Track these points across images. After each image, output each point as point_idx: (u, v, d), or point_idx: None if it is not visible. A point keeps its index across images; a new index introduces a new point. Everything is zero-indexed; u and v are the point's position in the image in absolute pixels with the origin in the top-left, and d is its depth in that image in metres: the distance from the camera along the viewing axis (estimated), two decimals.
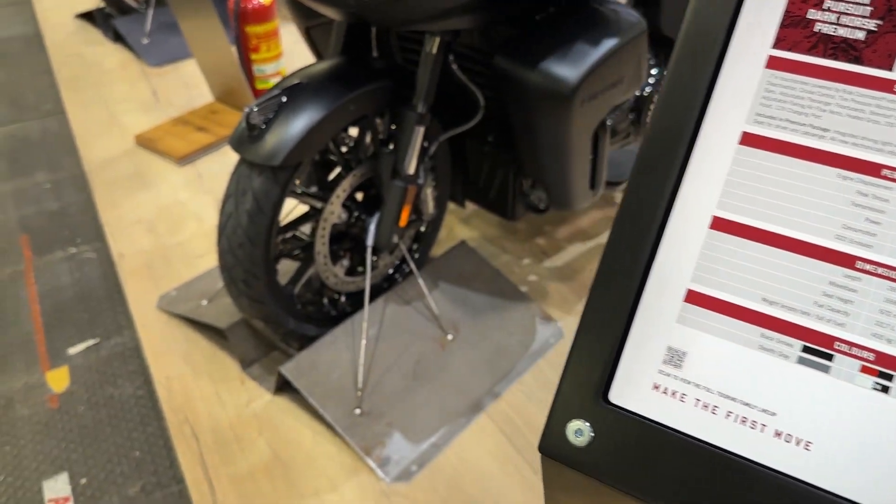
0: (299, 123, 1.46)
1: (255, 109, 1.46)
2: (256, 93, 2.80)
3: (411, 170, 1.63)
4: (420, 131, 1.60)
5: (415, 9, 1.38)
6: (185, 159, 2.57)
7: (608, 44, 1.47)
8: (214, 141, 2.64)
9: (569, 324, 1.92)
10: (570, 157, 1.58)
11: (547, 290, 2.03)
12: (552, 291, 2.03)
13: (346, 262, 1.76)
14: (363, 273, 1.80)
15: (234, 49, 2.65)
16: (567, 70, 1.44)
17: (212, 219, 2.31)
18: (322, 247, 1.65)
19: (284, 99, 1.47)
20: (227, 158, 2.60)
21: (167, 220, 2.32)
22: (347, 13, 1.43)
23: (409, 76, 1.61)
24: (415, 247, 1.94)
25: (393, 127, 1.68)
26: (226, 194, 1.53)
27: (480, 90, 1.66)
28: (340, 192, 1.63)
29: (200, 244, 2.21)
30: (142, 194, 2.44)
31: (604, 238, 2.22)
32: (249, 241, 1.50)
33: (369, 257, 1.70)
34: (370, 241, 1.69)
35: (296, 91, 1.49)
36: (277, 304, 1.62)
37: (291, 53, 3.32)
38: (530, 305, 1.94)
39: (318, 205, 1.62)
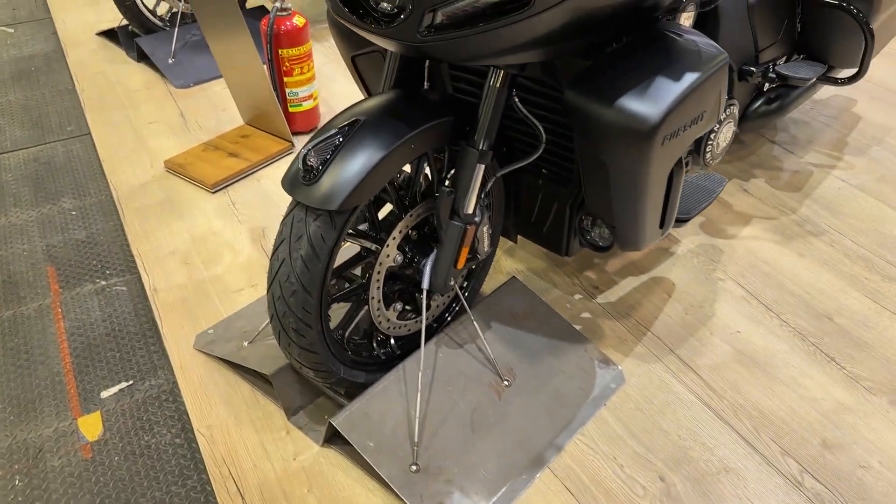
0: (358, 164, 1.36)
1: (311, 150, 1.37)
2: (289, 117, 2.71)
3: (470, 209, 1.54)
4: (481, 169, 1.50)
5: (482, 45, 1.29)
6: (217, 186, 2.48)
7: (690, 77, 1.37)
8: (247, 167, 2.55)
9: (628, 367, 1.82)
10: (644, 198, 1.48)
11: (602, 328, 1.93)
12: (607, 330, 1.93)
13: (398, 306, 1.66)
14: (415, 316, 1.71)
15: (266, 71, 2.56)
16: (648, 107, 1.34)
17: (248, 250, 2.22)
18: (377, 291, 1.56)
19: (341, 139, 1.38)
20: (261, 185, 2.51)
21: (202, 251, 2.23)
22: (410, 48, 1.33)
23: (469, 110, 1.51)
24: (465, 284, 1.85)
25: (451, 164, 1.59)
26: (278, 239, 1.43)
27: (540, 123, 1.57)
28: (396, 234, 1.54)
29: (238, 277, 2.12)
30: (174, 223, 2.35)
31: (658, 272, 2.12)
32: (304, 289, 1.40)
33: (425, 301, 1.60)
34: (426, 283, 1.59)
35: (353, 130, 1.40)
36: (328, 352, 1.52)
37: (321, 75, 3.23)
38: (587, 347, 1.84)
39: (373, 247, 1.53)
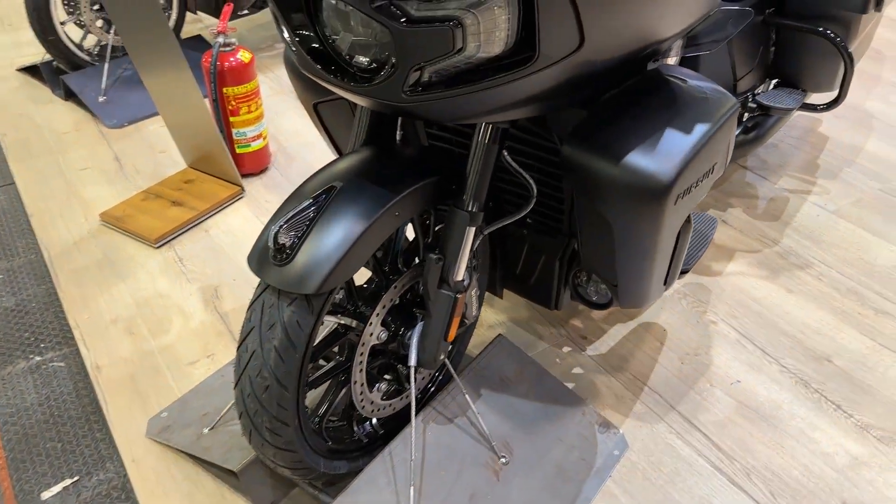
0: (337, 240, 1.19)
1: (283, 225, 1.18)
2: (237, 158, 2.51)
3: (460, 276, 1.38)
4: (471, 233, 1.34)
5: (476, 104, 1.13)
6: (161, 240, 2.26)
7: (702, 128, 1.25)
8: (194, 217, 2.33)
9: (630, 429, 1.68)
10: (652, 259, 1.35)
11: (597, 385, 1.79)
12: (602, 387, 1.79)
13: (383, 386, 1.49)
14: (399, 391, 1.54)
15: (210, 109, 2.35)
16: (660, 164, 1.20)
17: (200, 314, 2.01)
18: (360, 374, 1.38)
19: (315, 211, 1.20)
20: (210, 237, 2.30)
21: (148, 317, 2.01)
22: (393, 108, 1.17)
23: (454, 165, 1.35)
24: (450, 348, 1.68)
25: (437, 226, 1.43)
26: (245, 327, 1.24)
27: (526, 172, 1.43)
28: (380, 310, 1.37)
29: (191, 347, 1.91)
30: (115, 286, 2.12)
31: (647, 316, 1.99)
32: (279, 383, 1.22)
33: (413, 380, 1.44)
34: (413, 360, 1.42)
35: (328, 198, 1.22)
36: (307, 448, 1.34)
37: (268, 110, 3.03)
38: (585, 410, 1.69)
39: (354, 323, 1.35)
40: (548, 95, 1.16)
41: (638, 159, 1.21)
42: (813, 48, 2.13)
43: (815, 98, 2.32)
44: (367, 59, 1.16)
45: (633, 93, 1.32)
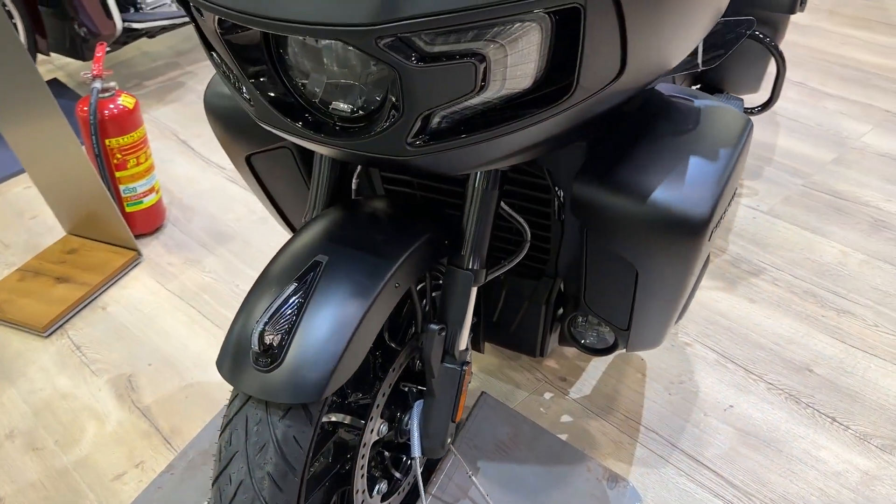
0: (335, 328, 0.95)
1: (268, 321, 0.94)
2: (127, 218, 2.17)
3: (464, 344, 1.18)
4: (474, 294, 1.15)
5: (493, 149, 0.94)
6: (50, 327, 1.90)
7: (726, 153, 1.11)
8: (86, 294, 1.98)
9: (637, 478, 1.54)
10: (677, 299, 1.20)
11: (591, 433, 1.64)
12: (597, 434, 1.63)
13: (383, 487, 1.26)
14: (396, 488, 1.31)
15: (92, 162, 2.01)
16: (693, 197, 1.05)
17: (116, 412, 1.69)
18: (362, 480, 1.15)
19: (302, 297, 0.97)
20: (109, 315, 1.96)
21: (53, 426, 1.66)
22: (391, 162, 0.95)
23: (443, 218, 1.15)
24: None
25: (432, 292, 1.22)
26: (223, 453, 0.98)
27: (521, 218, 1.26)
28: (380, 399, 1.14)
29: (113, 457, 1.59)
30: (3, 392, 1.75)
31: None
32: None
33: (419, 472, 1.21)
34: (417, 450, 1.20)
35: (315, 278, 0.99)
36: None
37: (155, 158, 2.68)
38: (590, 465, 1.53)
39: (349, 420, 1.12)
40: (571, 131, 0.98)
41: (668, 194, 1.06)
42: (738, 50, 2.08)
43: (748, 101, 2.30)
44: (349, 106, 0.94)
45: (640, 118, 1.17)
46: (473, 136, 0.89)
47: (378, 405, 1.14)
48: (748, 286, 2.06)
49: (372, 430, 1.14)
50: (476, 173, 1.10)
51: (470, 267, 1.13)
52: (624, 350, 1.41)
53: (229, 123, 1.37)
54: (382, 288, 1.00)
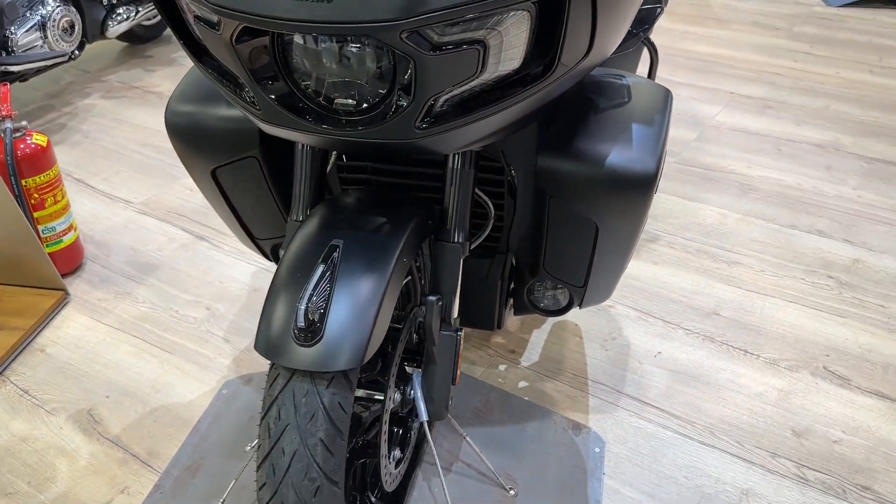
0: (365, 301, 1.06)
1: (308, 303, 1.03)
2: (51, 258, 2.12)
3: (456, 312, 1.31)
4: (461, 264, 1.28)
5: (484, 128, 1.08)
6: None
7: (658, 118, 1.31)
8: (21, 339, 1.93)
9: (596, 424, 1.72)
10: (629, 251, 1.39)
11: (548, 393, 1.80)
12: (553, 393, 1.80)
13: (397, 454, 1.35)
14: (405, 451, 1.41)
15: (15, 203, 1.96)
16: (641, 157, 1.24)
17: (85, 446, 1.67)
18: (385, 447, 1.24)
19: (329, 276, 1.06)
20: (50, 357, 1.92)
21: (20, 471, 1.62)
22: (400, 145, 1.07)
23: (420, 201, 1.28)
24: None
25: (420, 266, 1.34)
26: (274, 428, 1.05)
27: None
28: (394, 370, 1.24)
29: (95, 488, 1.57)
30: None
31: (554, 318, 2.05)
32: (329, 480, 1.05)
33: (429, 435, 1.32)
34: (425, 414, 1.31)
35: (337, 259, 1.09)
36: None
37: None
38: (556, 419, 1.70)
39: (379, 396, 1.22)
40: (545, 108, 1.14)
41: (621, 156, 1.24)
42: None
43: None
44: (352, 100, 1.05)
45: (580, 99, 1.35)
46: (472, 115, 1.03)
47: (393, 374, 1.24)
48: (649, 251, 2.32)
49: (391, 399, 1.24)
50: (454, 155, 1.24)
51: (457, 240, 1.26)
52: (578, 307, 1.58)
53: (193, 139, 1.43)
54: (395, 264, 1.12)
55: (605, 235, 1.34)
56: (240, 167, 1.46)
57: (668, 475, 1.60)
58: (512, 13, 0.95)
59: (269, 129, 1.13)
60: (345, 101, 1.05)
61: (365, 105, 1.05)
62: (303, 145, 1.28)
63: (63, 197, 2.12)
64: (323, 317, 1.04)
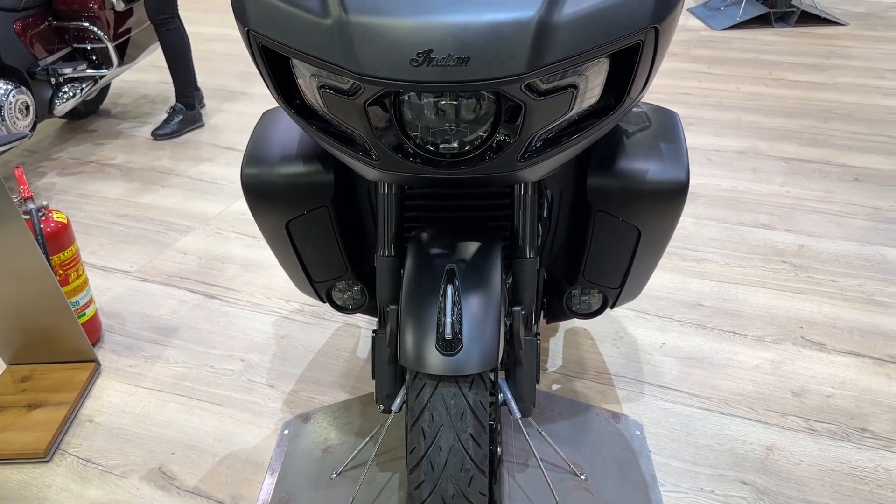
0: (489, 310, 1.24)
1: (448, 320, 1.20)
2: None
3: (536, 318, 1.50)
4: (535, 277, 1.48)
5: (569, 155, 1.29)
6: (50, 450, 1.86)
7: (677, 135, 1.56)
8: (69, 412, 1.96)
9: (631, 412, 1.93)
10: (663, 251, 1.62)
11: (580, 390, 2.01)
12: (585, 390, 2.01)
13: (498, 450, 1.52)
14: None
15: (53, 276, 2.01)
16: (675, 168, 1.48)
17: (167, 500, 1.73)
18: (501, 446, 1.41)
19: (457, 295, 1.24)
20: (103, 426, 1.96)
21: None
22: (505, 179, 1.26)
23: (489, 225, 1.47)
24: None
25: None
26: (429, 429, 1.21)
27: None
28: (491, 374, 1.42)
29: None
30: None
31: (563, 327, 2.27)
32: (480, 471, 1.22)
33: (524, 430, 1.50)
34: (518, 412, 1.49)
35: (456, 283, 1.27)
36: None
37: None
38: (597, 411, 1.90)
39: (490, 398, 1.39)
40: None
41: (658, 171, 1.48)
42: None
43: None
44: (456, 143, 1.24)
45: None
46: (562, 146, 1.24)
47: (498, 375, 1.42)
48: None
49: (498, 399, 1.42)
50: (521, 184, 1.44)
51: (531, 256, 1.46)
52: (610, 308, 1.81)
53: (269, 196, 1.57)
54: (501, 280, 1.31)
55: (646, 238, 1.57)
56: (311, 218, 1.61)
57: (704, 444, 1.84)
58: (597, 59, 1.18)
59: (379, 177, 1.30)
60: (450, 145, 1.24)
61: (467, 147, 1.24)
62: (385, 188, 1.45)
63: (83, 271, 2.18)
64: (460, 330, 1.21)
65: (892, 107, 3.81)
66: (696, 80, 4.26)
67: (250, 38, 1.21)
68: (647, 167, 1.49)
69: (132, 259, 2.70)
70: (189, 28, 3.79)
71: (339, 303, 1.82)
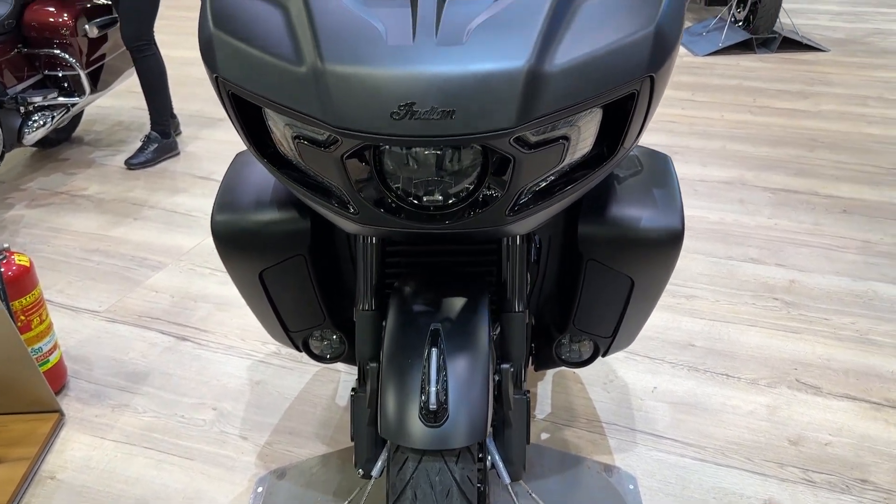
0: (477, 378, 1.15)
1: (431, 388, 1.11)
2: None
3: (525, 375, 1.41)
4: (525, 331, 1.40)
5: (560, 207, 1.21)
6: None
7: (670, 179, 1.49)
8: (29, 468, 1.85)
9: (623, 463, 1.85)
10: (657, 299, 1.55)
11: (571, 440, 1.92)
12: (575, 440, 1.93)
13: None
14: None
15: (13, 324, 1.90)
16: (669, 215, 1.41)
17: None
18: None
19: (443, 359, 1.15)
20: (64, 484, 1.84)
21: None
22: (492, 233, 1.18)
23: (475, 279, 1.39)
24: None
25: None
26: None
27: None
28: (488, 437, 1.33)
29: None
30: None
31: (550, 370, 2.18)
32: None
33: (514, 496, 1.41)
34: (507, 476, 1.40)
35: (441, 345, 1.18)
36: None
37: None
38: (589, 464, 1.82)
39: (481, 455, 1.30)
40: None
41: (651, 219, 1.41)
42: None
43: None
44: (440, 195, 1.16)
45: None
46: (553, 198, 1.17)
47: (481, 443, 1.33)
48: None
49: (486, 465, 1.33)
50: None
51: (519, 310, 1.37)
52: (601, 356, 1.73)
53: (240, 245, 1.48)
54: (488, 339, 1.22)
55: (640, 288, 1.50)
56: (287, 267, 1.52)
57: (700, 499, 1.75)
58: (590, 110, 1.10)
59: (359, 231, 1.21)
60: (433, 197, 1.16)
61: (452, 200, 1.16)
62: (364, 240, 1.37)
63: (47, 316, 2.07)
64: (445, 399, 1.12)
65: (877, 135, 3.79)
66: (681, 107, 4.23)
67: (219, 84, 1.13)
68: (640, 214, 1.41)
69: (101, 298, 2.59)
70: (166, 52, 3.70)
71: (316, 352, 1.72)
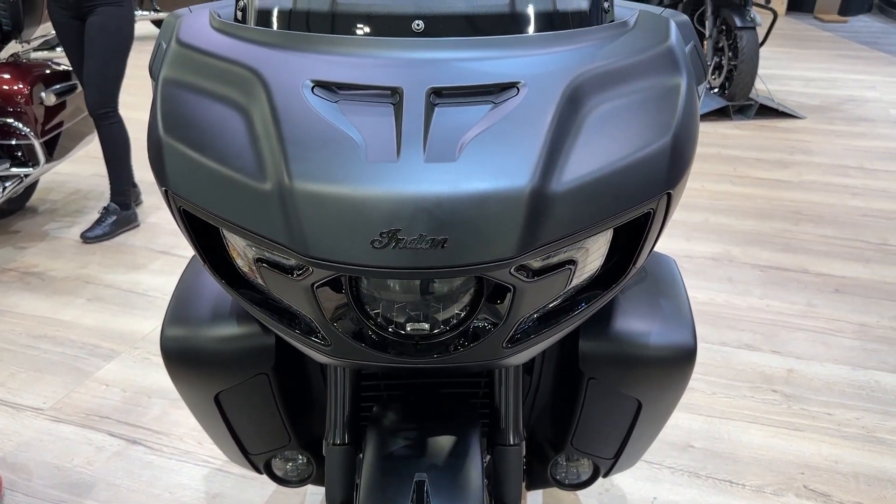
0: None
1: None
2: None
3: None
4: (522, 467, 1.22)
5: (560, 335, 1.05)
6: None
7: (678, 290, 1.35)
8: None
9: None
10: (667, 417, 1.38)
11: (561, 497, 1.73)
12: (565, 498, 1.73)
13: None
14: None
15: None
16: (680, 332, 1.26)
17: None
18: None
19: None
20: None
21: None
22: (487, 366, 1.02)
23: (464, 408, 1.22)
24: None
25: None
26: None
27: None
28: None
29: None
30: None
31: None
32: None
33: None
34: None
35: (427, 498, 1.00)
36: None
37: None
38: None
39: None
40: None
41: (660, 335, 1.26)
42: None
43: None
44: (426, 324, 1.00)
45: None
46: (557, 326, 1.00)
47: None
48: None
49: None
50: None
51: (516, 442, 1.20)
52: (602, 477, 1.55)
53: (194, 365, 1.29)
54: (483, 483, 1.04)
55: (648, 410, 1.33)
56: (247, 388, 1.33)
57: None
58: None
59: (332, 363, 1.04)
60: (418, 325, 0.99)
61: (441, 328, 1.00)
62: (335, 368, 1.20)
63: None
64: None
65: (862, 208, 3.72)
66: None
67: (169, 198, 0.96)
68: (647, 330, 1.26)
69: (46, 392, 2.36)
70: (129, 114, 3.53)
71: (280, 474, 1.53)
